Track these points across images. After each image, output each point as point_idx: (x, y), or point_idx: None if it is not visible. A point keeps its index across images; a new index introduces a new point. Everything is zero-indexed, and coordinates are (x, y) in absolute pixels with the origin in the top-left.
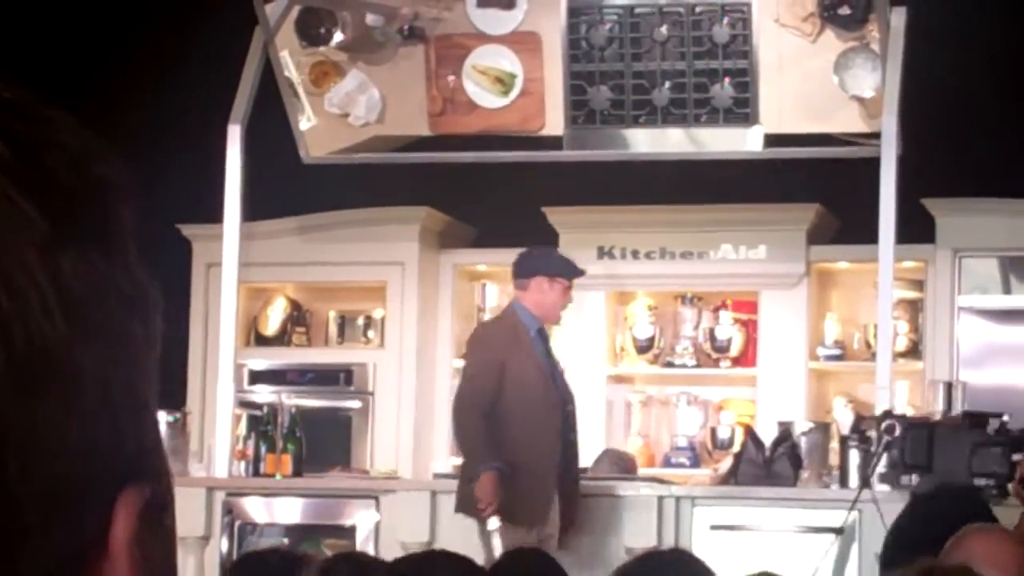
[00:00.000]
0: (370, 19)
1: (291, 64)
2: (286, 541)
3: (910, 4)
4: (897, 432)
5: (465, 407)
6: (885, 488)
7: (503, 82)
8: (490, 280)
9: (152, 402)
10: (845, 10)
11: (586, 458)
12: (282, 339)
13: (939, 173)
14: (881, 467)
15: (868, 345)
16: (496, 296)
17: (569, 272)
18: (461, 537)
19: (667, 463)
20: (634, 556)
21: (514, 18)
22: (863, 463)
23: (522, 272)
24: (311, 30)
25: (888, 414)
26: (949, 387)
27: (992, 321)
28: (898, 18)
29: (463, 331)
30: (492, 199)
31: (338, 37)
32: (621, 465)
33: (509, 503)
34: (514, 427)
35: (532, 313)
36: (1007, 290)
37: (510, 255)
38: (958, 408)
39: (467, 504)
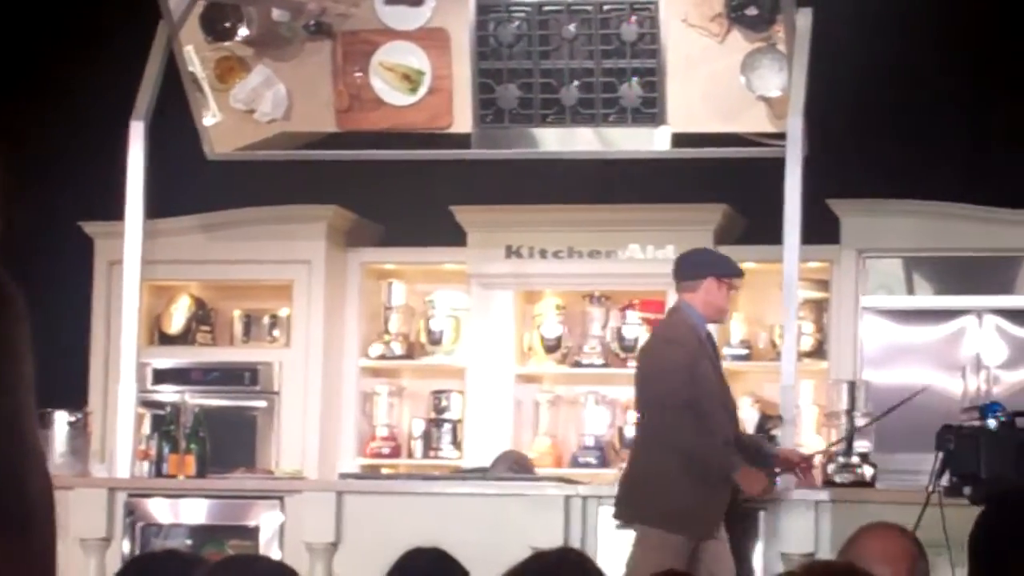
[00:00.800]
0: (276, 14)
1: (196, 59)
2: (190, 542)
3: (816, 5)
4: (952, 446)
5: (678, 405)
6: (788, 487)
7: (411, 79)
8: (397, 279)
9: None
10: (752, 11)
11: (487, 458)
12: (186, 338)
13: (844, 174)
14: (944, 481)
15: (774, 345)
16: (403, 294)
17: (736, 273)
18: (369, 539)
19: (575, 463)
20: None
21: (422, 15)
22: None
23: (692, 273)
24: (216, 25)
25: (947, 428)
26: (852, 386)
27: (895, 321)
28: (804, 19)
29: (370, 330)
30: (400, 197)
31: (243, 32)
32: (520, 467)
33: (686, 512)
34: (703, 430)
35: (700, 313)
36: (911, 290)
37: (417, 253)
38: (861, 407)
39: (682, 518)
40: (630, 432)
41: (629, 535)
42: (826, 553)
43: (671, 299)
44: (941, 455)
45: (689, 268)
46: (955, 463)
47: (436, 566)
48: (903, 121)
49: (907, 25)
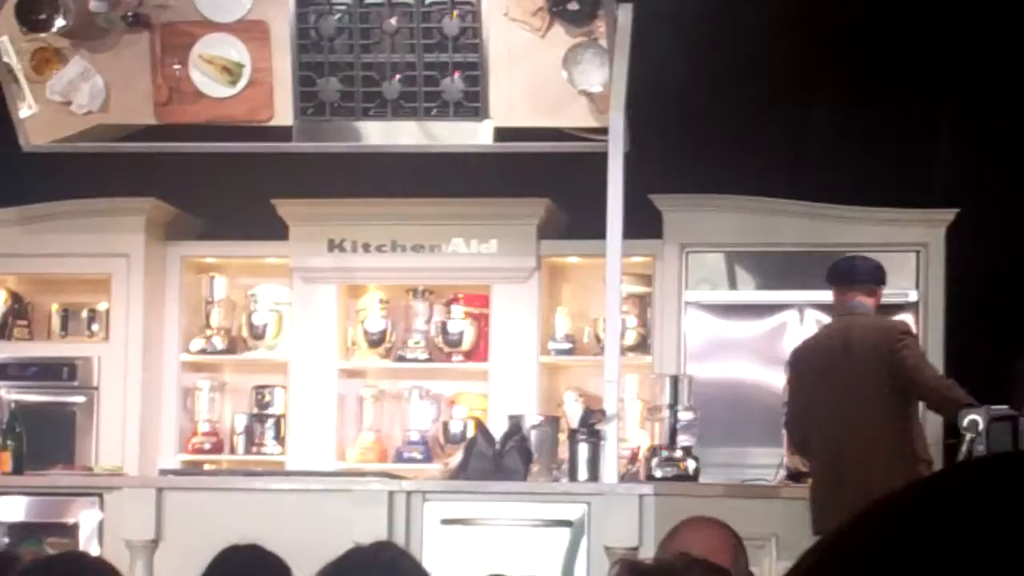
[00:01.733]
0: (93, 5)
1: (11, 50)
2: (7, 540)
3: (637, 1)
4: (981, 427)
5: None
6: (612, 481)
7: (230, 71)
8: (218, 272)
9: None
10: (573, 5)
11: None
12: (2, 332)
13: (666, 169)
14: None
15: (598, 339)
16: (224, 288)
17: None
18: (190, 536)
19: (399, 458)
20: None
21: (241, 7)
22: (592, 456)
23: (875, 279)
24: (32, 15)
25: (969, 407)
26: (676, 381)
27: (718, 316)
28: (625, 14)
29: (190, 324)
30: (220, 191)
31: (60, 23)
32: None
33: None
34: None
35: None
36: (733, 285)
37: (239, 247)
38: (684, 401)
39: None
40: (455, 427)
41: (454, 530)
42: (650, 547)
43: (495, 293)
44: None
45: (871, 274)
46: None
47: (253, 563)
48: (724, 116)
49: (727, 21)
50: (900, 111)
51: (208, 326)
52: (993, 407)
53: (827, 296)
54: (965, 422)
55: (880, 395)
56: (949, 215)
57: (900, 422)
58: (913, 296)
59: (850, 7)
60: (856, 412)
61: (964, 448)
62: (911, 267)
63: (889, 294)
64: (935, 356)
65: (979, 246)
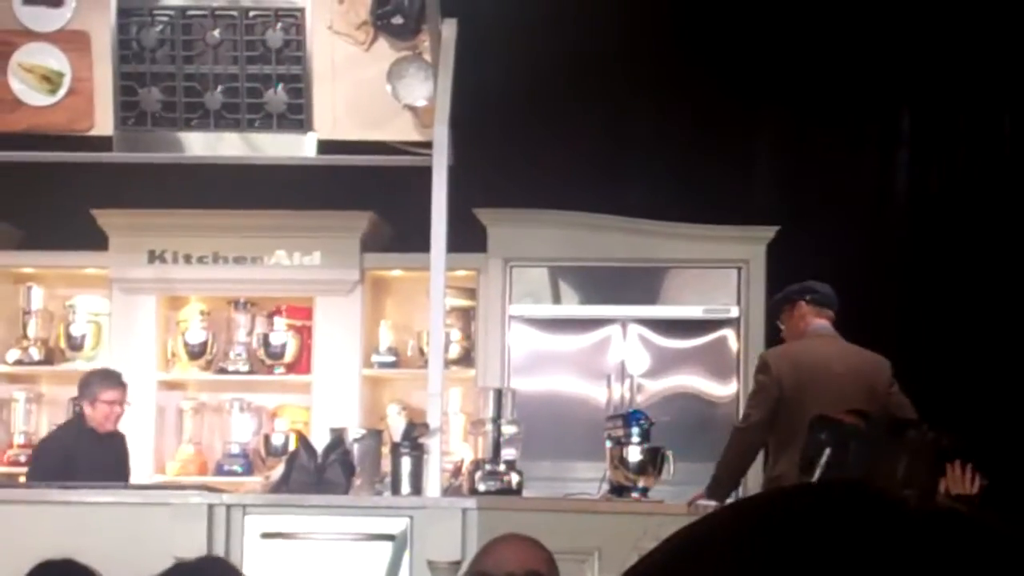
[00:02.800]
0: None
1: None
2: None
3: (461, 16)
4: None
5: None
6: (435, 495)
7: (50, 80)
8: (36, 283)
9: None
10: (398, 19)
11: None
12: None
13: (491, 184)
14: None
15: (422, 352)
16: (42, 299)
17: None
18: (3, 551)
19: (220, 471)
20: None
21: (62, 16)
22: (415, 469)
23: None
24: None
25: (823, 422)
26: (499, 394)
27: (542, 330)
28: (449, 29)
29: (7, 335)
30: (39, 200)
31: None
32: None
33: None
34: None
35: None
36: (556, 299)
37: (57, 257)
38: (508, 414)
39: None
40: (277, 440)
41: (275, 544)
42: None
43: (318, 306)
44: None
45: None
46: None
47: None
48: (548, 132)
49: (549, 37)
50: (720, 128)
51: (25, 337)
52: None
53: (650, 311)
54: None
55: None
56: (770, 232)
57: None
58: (734, 312)
59: (671, 24)
60: None
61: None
62: (732, 283)
63: (710, 310)
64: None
65: (799, 263)
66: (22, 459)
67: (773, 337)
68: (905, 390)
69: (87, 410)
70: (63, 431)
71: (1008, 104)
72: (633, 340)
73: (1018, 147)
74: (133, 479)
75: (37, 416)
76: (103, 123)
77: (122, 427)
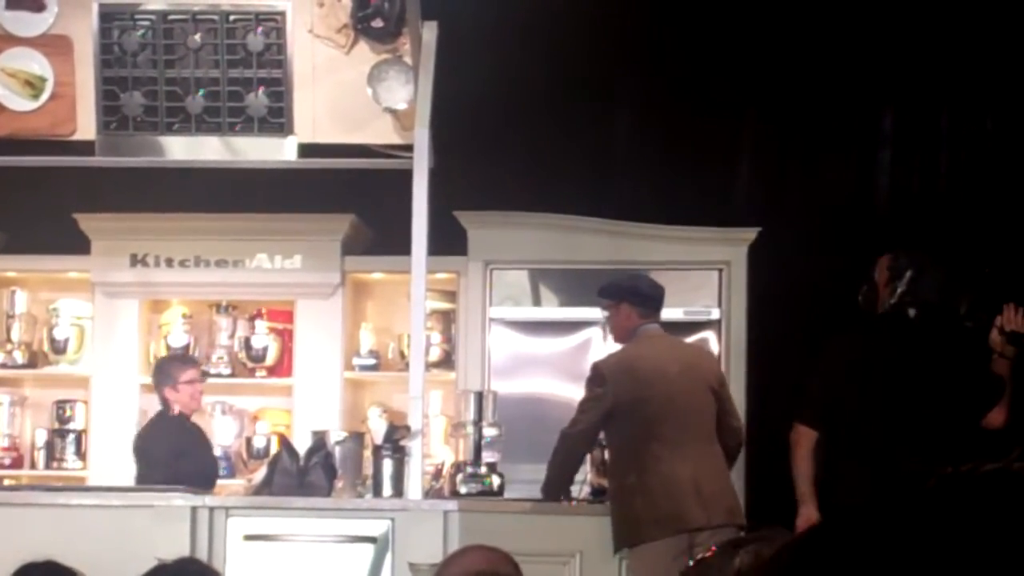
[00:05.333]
0: None
1: None
2: None
3: (441, 19)
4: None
5: None
6: (417, 497)
7: (33, 85)
8: (19, 287)
9: None
10: (378, 23)
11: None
12: None
13: (471, 186)
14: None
15: (402, 355)
16: (25, 302)
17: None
18: None
19: None
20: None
21: (44, 21)
22: (396, 472)
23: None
24: None
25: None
26: (480, 397)
27: (522, 332)
28: (429, 32)
29: None
30: (22, 204)
31: None
32: None
33: None
34: None
35: None
36: (536, 302)
37: (40, 261)
38: (489, 417)
39: None
40: (259, 442)
41: (258, 546)
42: None
43: (300, 309)
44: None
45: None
46: None
47: None
48: (528, 134)
49: (530, 40)
50: (701, 130)
51: (8, 340)
52: None
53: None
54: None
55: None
56: (751, 234)
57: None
58: (715, 314)
59: (651, 26)
60: None
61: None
62: (713, 285)
63: (692, 312)
64: (737, 374)
65: (780, 264)
66: (6, 462)
67: (755, 339)
68: None
69: (170, 396)
70: (156, 424)
71: (990, 104)
72: (613, 343)
73: (1001, 147)
74: (116, 482)
75: (21, 419)
76: (85, 127)
77: (102, 430)
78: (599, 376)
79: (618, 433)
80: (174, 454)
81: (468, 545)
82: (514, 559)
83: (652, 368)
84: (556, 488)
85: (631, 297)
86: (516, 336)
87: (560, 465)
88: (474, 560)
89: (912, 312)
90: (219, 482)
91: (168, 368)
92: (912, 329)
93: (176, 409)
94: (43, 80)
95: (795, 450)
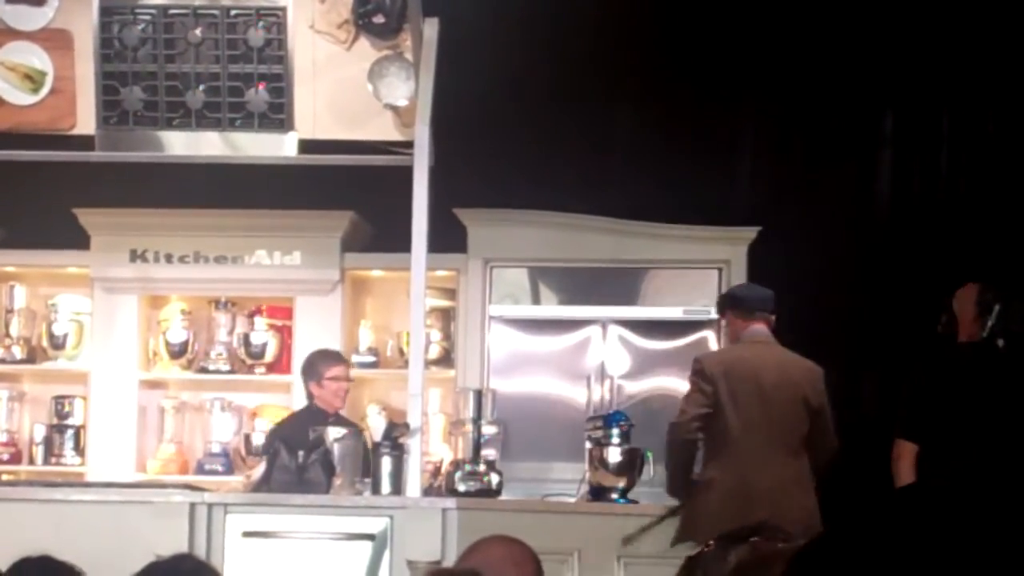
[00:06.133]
0: None
1: None
2: None
3: (443, 16)
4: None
5: None
6: (415, 495)
7: (33, 79)
8: (19, 281)
9: None
10: (379, 19)
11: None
12: None
13: (471, 184)
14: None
15: (401, 352)
16: (24, 297)
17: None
18: None
19: (200, 470)
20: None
21: (44, 15)
22: (395, 469)
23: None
24: None
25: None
26: (479, 395)
27: (521, 330)
28: (431, 29)
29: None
30: (22, 199)
31: None
32: None
33: None
34: None
35: None
36: (536, 300)
37: (40, 256)
38: (488, 415)
39: None
40: (258, 439)
41: (256, 543)
42: (452, 561)
43: (299, 306)
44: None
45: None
46: None
47: (45, 574)
48: (529, 132)
49: (531, 38)
50: (702, 129)
51: (7, 335)
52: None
53: (630, 312)
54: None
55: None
56: (751, 233)
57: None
58: (715, 313)
59: (654, 26)
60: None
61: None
62: (713, 284)
63: (691, 311)
64: None
65: (780, 264)
66: (4, 457)
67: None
68: (884, 390)
69: (315, 391)
70: (296, 417)
71: (991, 105)
72: (613, 341)
73: (1002, 148)
74: (114, 478)
75: (19, 414)
76: (85, 122)
77: (100, 426)
78: (699, 368)
79: (709, 428)
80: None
81: (491, 535)
82: (534, 550)
83: (748, 371)
84: (678, 484)
85: (729, 304)
86: (515, 334)
87: (674, 459)
88: (495, 551)
89: (1000, 343)
90: (218, 478)
91: (315, 362)
92: (1001, 359)
93: (318, 404)
94: (43, 74)
95: (897, 463)
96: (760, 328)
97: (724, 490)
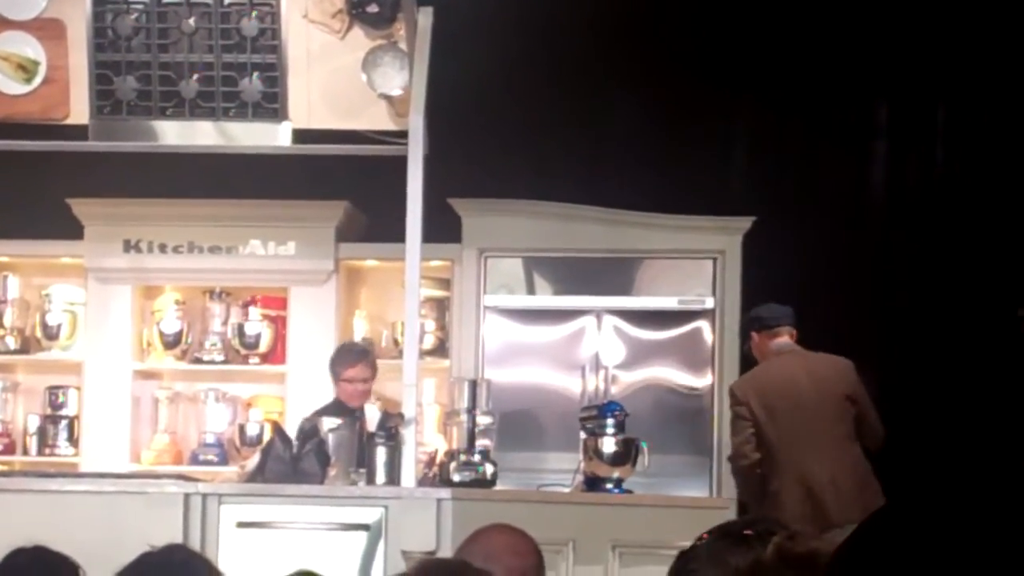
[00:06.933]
0: None
1: None
2: None
3: (437, 5)
4: None
5: None
6: (410, 485)
7: (26, 69)
8: (12, 272)
9: None
10: (373, 8)
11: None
12: None
13: (466, 173)
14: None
15: (396, 343)
16: (18, 288)
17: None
18: None
19: (195, 460)
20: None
21: (37, 5)
22: (390, 459)
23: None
24: None
25: None
26: (474, 385)
27: (516, 320)
28: (425, 18)
29: None
30: (15, 189)
31: None
32: None
33: None
34: None
35: None
36: (531, 290)
37: (33, 246)
38: (483, 405)
39: None
40: (252, 430)
41: (251, 533)
42: (447, 551)
43: (293, 296)
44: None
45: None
46: None
47: (40, 565)
48: (523, 122)
49: (525, 27)
50: (698, 119)
51: (1, 326)
52: None
53: (625, 302)
54: None
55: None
56: (745, 223)
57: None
58: (709, 303)
59: (649, 15)
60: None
61: None
62: (707, 274)
63: (685, 301)
64: (730, 363)
65: (775, 254)
66: None
67: (747, 328)
68: (882, 380)
69: (336, 388)
70: (323, 409)
71: (987, 97)
72: (608, 331)
73: (997, 139)
74: (108, 469)
75: (13, 405)
76: (78, 112)
77: (94, 416)
78: (733, 396)
79: (760, 446)
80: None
81: (492, 524)
82: (535, 541)
83: (781, 381)
84: (753, 501)
85: (753, 325)
86: (510, 324)
87: (744, 487)
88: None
89: None
90: (212, 469)
91: (335, 360)
92: None
93: (341, 399)
94: (36, 64)
95: None
96: (784, 341)
97: (791, 493)
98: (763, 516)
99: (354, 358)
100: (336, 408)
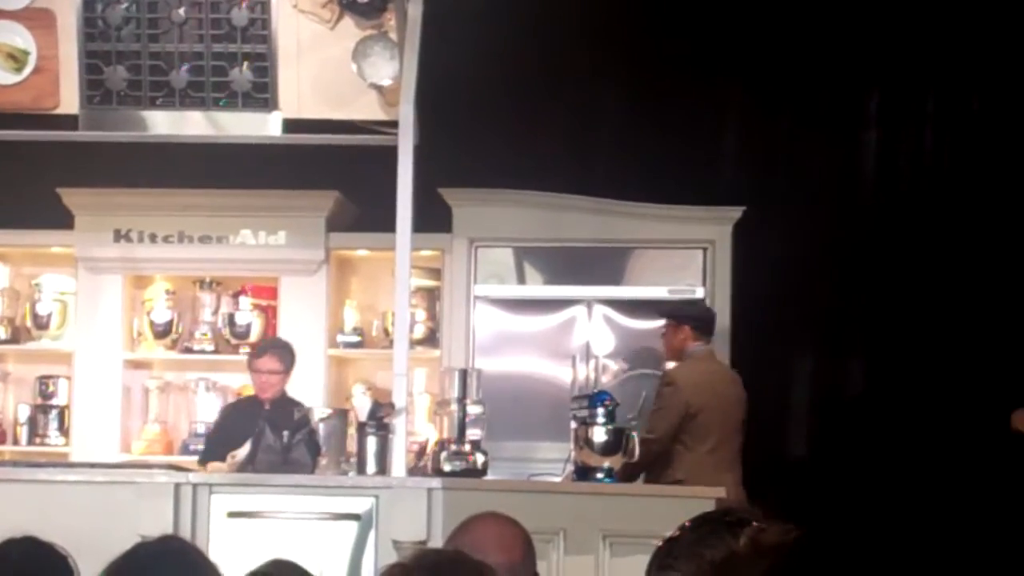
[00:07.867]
0: None
1: None
2: None
3: None
4: None
5: None
6: (401, 475)
7: (16, 58)
8: (2, 261)
9: None
10: None
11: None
12: None
13: (456, 163)
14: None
15: (387, 332)
16: (8, 277)
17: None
18: None
19: (185, 450)
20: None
21: None
22: (380, 449)
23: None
24: None
25: None
26: (464, 374)
27: (507, 310)
28: (415, 8)
29: None
30: (5, 178)
31: None
32: None
33: None
34: None
35: None
36: (521, 280)
37: (23, 236)
38: (473, 395)
39: None
40: None
41: (242, 523)
42: (438, 541)
43: (284, 285)
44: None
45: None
46: None
47: (30, 555)
48: (514, 112)
49: (516, 17)
50: (688, 109)
51: None
52: None
53: (615, 292)
54: None
55: None
56: (736, 213)
57: None
58: (700, 292)
59: (639, 5)
60: None
61: None
62: (698, 264)
63: (676, 290)
64: (721, 352)
65: (765, 243)
66: None
67: (739, 318)
68: (871, 370)
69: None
70: (238, 401)
71: (977, 84)
72: (598, 321)
73: (987, 127)
74: (99, 459)
75: (3, 394)
76: (69, 101)
77: (85, 406)
78: (672, 382)
79: (678, 435)
80: (225, 431)
81: (482, 513)
82: (526, 538)
83: (710, 383)
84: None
85: (693, 321)
86: (500, 314)
87: (638, 469)
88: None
89: None
90: None
91: (252, 352)
92: None
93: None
94: (26, 54)
95: None
96: (706, 346)
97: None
98: (739, 507)
99: (260, 351)
100: (248, 400)
